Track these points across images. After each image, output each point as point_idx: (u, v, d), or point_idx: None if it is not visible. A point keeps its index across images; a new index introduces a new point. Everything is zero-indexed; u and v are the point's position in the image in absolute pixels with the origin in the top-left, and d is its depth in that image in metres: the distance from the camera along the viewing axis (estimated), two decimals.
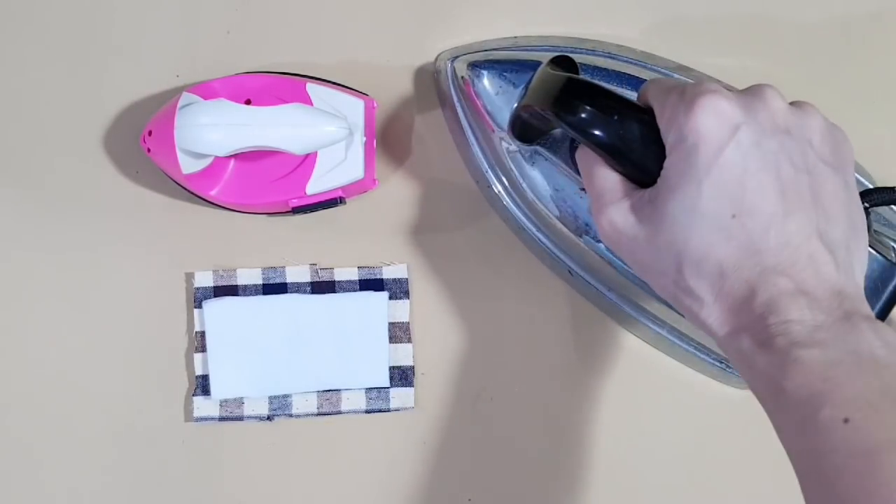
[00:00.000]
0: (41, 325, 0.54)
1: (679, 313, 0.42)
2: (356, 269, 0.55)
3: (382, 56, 0.56)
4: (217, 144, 0.49)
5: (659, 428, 0.55)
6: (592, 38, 0.54)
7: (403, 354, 0.54)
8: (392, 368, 0.54)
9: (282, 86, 0.52)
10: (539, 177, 0.50)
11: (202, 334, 0.54)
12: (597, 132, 0.41)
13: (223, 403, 0.54)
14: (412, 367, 0.54)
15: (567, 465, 0.54)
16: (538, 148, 0.49)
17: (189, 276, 0.54)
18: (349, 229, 0.55)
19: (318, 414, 0.54)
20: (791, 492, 0.36)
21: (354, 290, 0.54)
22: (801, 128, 0.39)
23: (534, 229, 0.53)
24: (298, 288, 0.54)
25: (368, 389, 0.54)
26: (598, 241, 0.49)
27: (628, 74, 0.50)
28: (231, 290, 0.54)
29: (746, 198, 0.38)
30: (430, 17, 0.56)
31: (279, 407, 0.54)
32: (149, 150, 0.52)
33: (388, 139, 0.55)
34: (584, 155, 0.44)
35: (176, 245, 0.55)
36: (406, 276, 0.55)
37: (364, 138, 0.52)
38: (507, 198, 0.53)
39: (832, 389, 0.35)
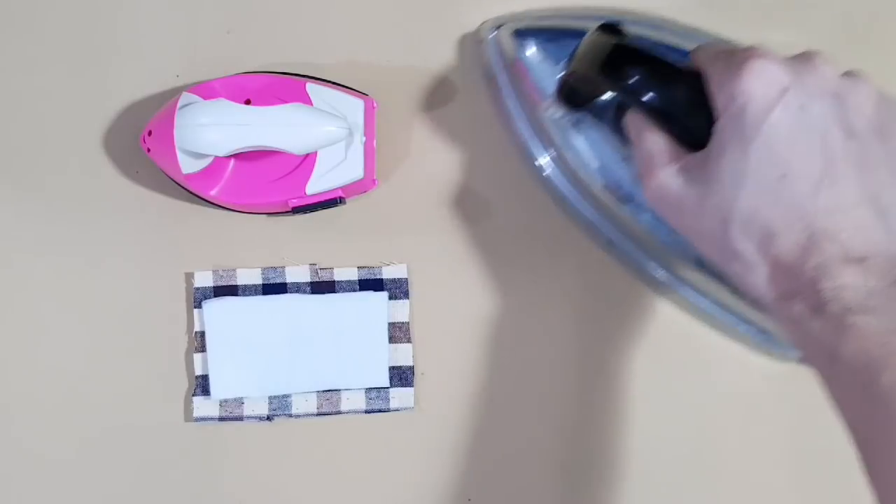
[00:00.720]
0: (41, 324, 0.54)
1: (726, 283, 0.42)
2: (356, 269, 0.55)
3: (383, 56, 0.56)
4: (217, 144, 0.49)
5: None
6: (635, 10, 0.54)
7: (403, 354, 0.54)
8: (392, 368, 0.54)
9: (282, 86, 0.52)
10: (584, 145, 0.50)
11: (202, 334, 0.54)
12: (647, 96, 0.42)
13: (223, 403, 0.54)
14: (412, 368, 0.54)
15: (570, 463, 0.54)
16: (584, 116, 0.49)
17: (189, 276, 0.54)
18: (349, 229, 0.55)
19: (318, 414, 0.54)
20: (835, 465, 0.36)
21: (354, 290, 0.54)
22: (850, 93, 0.39)
23: (575, 199, 0.52)
24: (298, 288, 0.54)
25: (368, 389, 0.54)
26: (643, 211, 0.49)
27: (671, 45, 0.50)
28: (231, 290, 0.54)
29: (794, 160, 0.38)
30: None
31: (279, 407, 0.54)
32: (149, 150, 0.52)
33: (388, 139, 0.55)
34: (633, 120, 0.44)
35: (176, 245, 0.55)
36: (406, 276, 0.55)
37: (364, 138, 0.52)
38: (549, 169, 0.53)
39: (891, 354, 0.35)
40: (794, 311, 0.38)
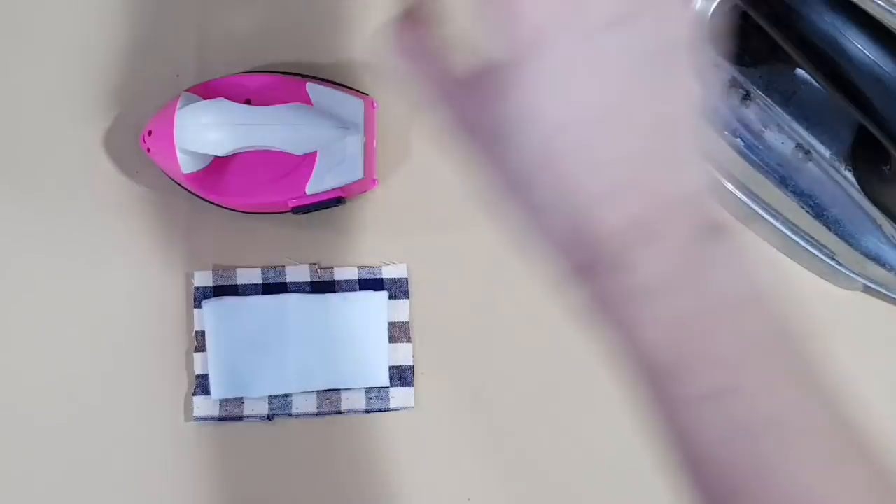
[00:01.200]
0: (41, 325, 0.54)
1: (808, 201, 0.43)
2: (356, 268, 0.54)
3: (382, 55, 0.56)
4: (217, 144, 0.49)
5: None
6: None
7: (403, 354, 0.54)
8: (392, 368, 0.54)
9: (282, 85, 0.52)
10: None
11: (202, 334, 0.54)
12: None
13: (223, 403, 0.54)
14: (412, 367, 0.54)
15: (571, 461, 0.54)
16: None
17: (189, 276, 0.54)
18: (349, 229, 0.55)
19: (318, 414, 0.54)
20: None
21: (354, 290, 0.54)
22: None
23: None
24: (298, 288, 0.54)
25: (368, 389, 0.54)
26: (726, 130, 0.49)
27: None
28: (231, 290, 0.54)
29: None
30: None
31: (279, 407, 0.54)
32: (149, 149, 0.52)
33: (388, 139, 0.55)
34: None
35: (176, 245, 0.55)
36: (406, 276, 0.55)
37: (364, 138, 0.52)
38: None
39: None
40: None
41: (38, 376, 0.54)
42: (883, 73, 0.42)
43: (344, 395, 0.54)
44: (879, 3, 0.43)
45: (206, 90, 0.52)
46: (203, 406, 0.54)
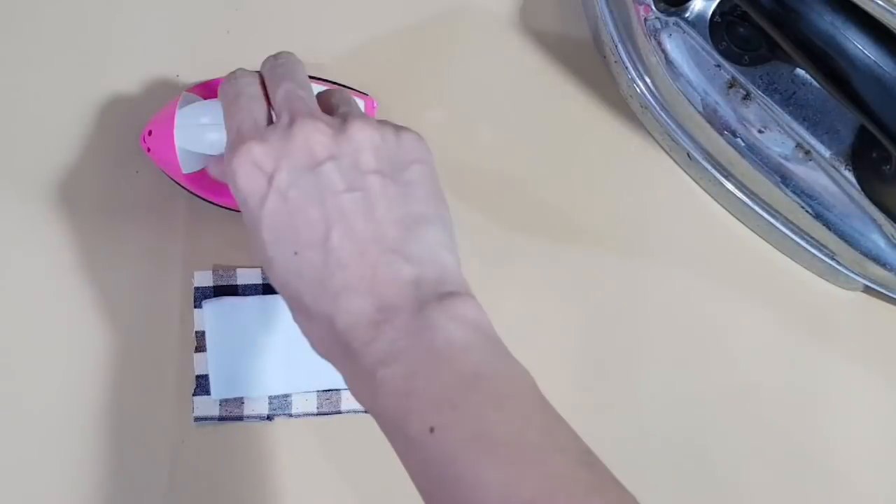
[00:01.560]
0: (40, 325, 0.54)
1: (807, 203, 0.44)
2: None
3: (383, 54, 0.56)
4: (217, 144, 0.49)
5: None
6: None
7: None
8: None
9: None
10: (674, 50, 0.50)
11: (202, 334, 0.54)
12: None
13: (223, 403, 0.54)
14: None
15: None
16: (678, 20, 0.49)
17: (189, 276, 0.54)
18: None
19: (318, 414, 0.54)
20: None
21: None
22: (347, 152, 0.39)
23: (657, 107, 0.52)
24: None
25: None
26: (725, 130, 0.49)
27: None
28: (231, 290, 0.54)
29: (300, 235, 0.38)
30: None
31: (279, 407, 0.54)
32: (149, 149, 0.52)
33: None
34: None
35: (176, 245, 0.55)
36: None
37: None
38: (633, 71, 0.52)
39: (416, 401, 0.35)
40: (344, 374, 0.38)
41: (37, 376, 0.54)
42: (883, 73, 0.42)
43: (344, 395, 0.54)
44: (879, 3, 0.43)
45: (206, 90, 0.52)
46: (203, 406, 0.54)
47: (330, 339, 0.38)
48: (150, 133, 0.51)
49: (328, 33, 0.56)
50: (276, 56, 0.45)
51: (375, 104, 0.53)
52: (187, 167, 0.50)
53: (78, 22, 0.56)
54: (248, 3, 0.56)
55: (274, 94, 0.42)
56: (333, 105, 0.44)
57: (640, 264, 0.56)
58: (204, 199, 0.53)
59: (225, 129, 0.42)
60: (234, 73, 0.45)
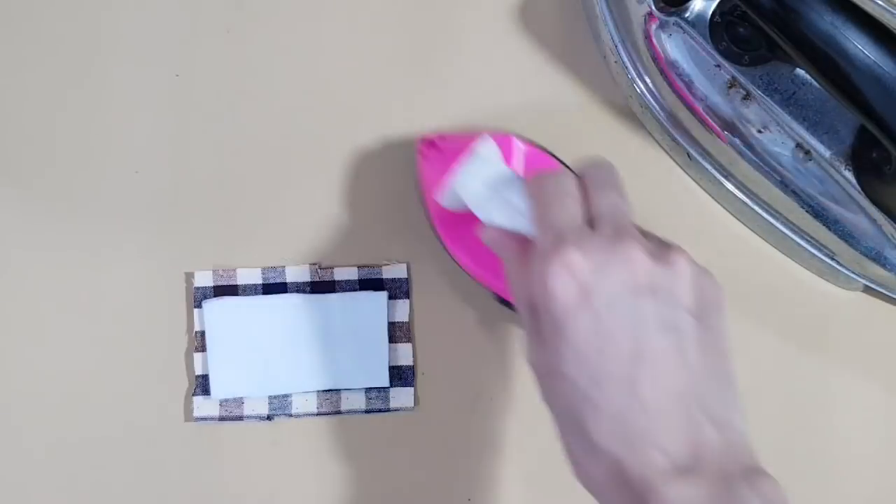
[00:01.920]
0: (41, 324, 0.54)
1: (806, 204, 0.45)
2: (356, 268, 0.54)
3: (382, 53, 0.56)
4: (487, 211, 0.47)
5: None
6: None
7: (403, 354, 0.54)
8: (392, 368, 0.54)
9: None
10: (674, 50, 0.49)
11: (202, 334, 0.54)
12: None
13: (223, 403, 0.54)
14: (412, 367, 0.54)
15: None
16: (678, 20, 0.48)
17: (189, 276, 0.54)
18: (349, 229, 0.55)
19: (318, 414, 0.54)
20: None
21: (354, 290, 0.54)
22: (667, 283, 0.37)
23: (657, 107, 0.52)
24: (298, 288, 0.54)
25: (368, 389, 0.54)
26: (725, 130, 0.49)
27: None
28: (231, 290, 0.54)
29: (605, 365, 0.36)
30: None
31: (279, 407, 0.54)
32: (422, 152, 0.51)
33: (389, 137, 0.55)
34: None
35: (176, 245, 0.55)
36: (406, 276, 0.55)
37: None
38: (633, 71, 0.52)
39: None
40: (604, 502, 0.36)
41: (37, 376, 0.54)
42: (883, 73, 0.42)
43: (344, 395, 0.54)
44: (879, 3, 0.43)
45: (506, 142, 0.51)
46: (203, 406, 0.54)
47: (610, 479, 0.36)
48: (433, 143, 0.51)
49: (328, 32, 0.56)
50: (598, 164, 0.42)
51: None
52: (447, 202, 0.49)
53: (77, 21, 0.56)
54: (249, 3, 0.56)
55: (598, 202, 0.40)
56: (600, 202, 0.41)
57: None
58: (434, 232, 0.53)
59: (532, 217, 0.40)
60: (554, 173, 0.42)
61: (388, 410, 0.54)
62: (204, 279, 0.54)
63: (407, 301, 0.54)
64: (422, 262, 0.55)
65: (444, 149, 0.51)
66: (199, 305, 0.54)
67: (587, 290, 0.36)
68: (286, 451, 0.54)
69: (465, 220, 0.50)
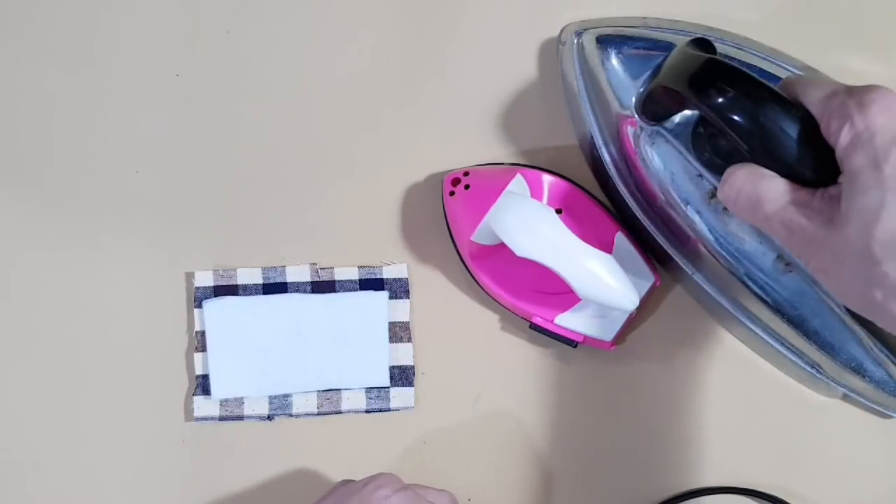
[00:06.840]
0: (41, 324, 0.54)
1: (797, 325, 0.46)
2: (356, 268, 0.55)
3: (383, 54, 0.56)
4: (520, 245, 0.48)
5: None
6: (721, 28, 0.53)
7: (403, 354, 0.54)
8: (392, 368, 0.54)
9: (595, 215, 0.53)
10: (656, 159, 0.49)
11: (202, 334, 0.54)
12: (736, 116, 0.41)
13: (223, 403, 0.54)
14: (412, 367, 0.54)
15: (570, 463, 0.54)
16: (661, 130, 0.48)
17: (189, 276, 0.54)
18: (349, 229, 0.55)
19: (318, 414, 0.54)
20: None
21: (354, 290, 0.54)
22: None
23: (639, 210, 0.52)
24: (298, 287, 0.54)
25: (368, 389, 0.54)
26: (706, 239, 0.49)
27: (756, 66, 0.50)
28: (231, 290, 0.54)
29: None
30: None
31: (279, 406, 0.54)
32: (452, 193, 0.52)
33: (389, 138, 0.55)
34: (741, 167, 0.42)
35: (176, 245, 0.55)
36: (406, 276, 0.55)
37: (635, 312, 0.51)
38: (618, 180, 0.52)
39: None
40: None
41: (38, 376, 0.54)
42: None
43: (344, 395, 0.54)
44: None
45: (534, 177, 0.52)
46: (203, 406, 0.54)
47: None
48: (459, 181, 0.51)
49: (329, 32, 0.56)
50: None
51: (659, 283, 0.52)
52: (479, 237, 0.51)
53: (78, 22, 0.56)
54: (249, 3, 0.56)
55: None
56: None
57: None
58: (464, 265, 0.53)
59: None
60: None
61: (388, 410, 0.54)
62: (204, 279, 0.54)
63: (407, 301, 0.54)
64: (422, 262, 0.55)
65: (470, 184, 0.51)
66: (199, 305, 0.54)
67: None
68: (286, 451, 0.54)
69: (496, 253, 0.52)
